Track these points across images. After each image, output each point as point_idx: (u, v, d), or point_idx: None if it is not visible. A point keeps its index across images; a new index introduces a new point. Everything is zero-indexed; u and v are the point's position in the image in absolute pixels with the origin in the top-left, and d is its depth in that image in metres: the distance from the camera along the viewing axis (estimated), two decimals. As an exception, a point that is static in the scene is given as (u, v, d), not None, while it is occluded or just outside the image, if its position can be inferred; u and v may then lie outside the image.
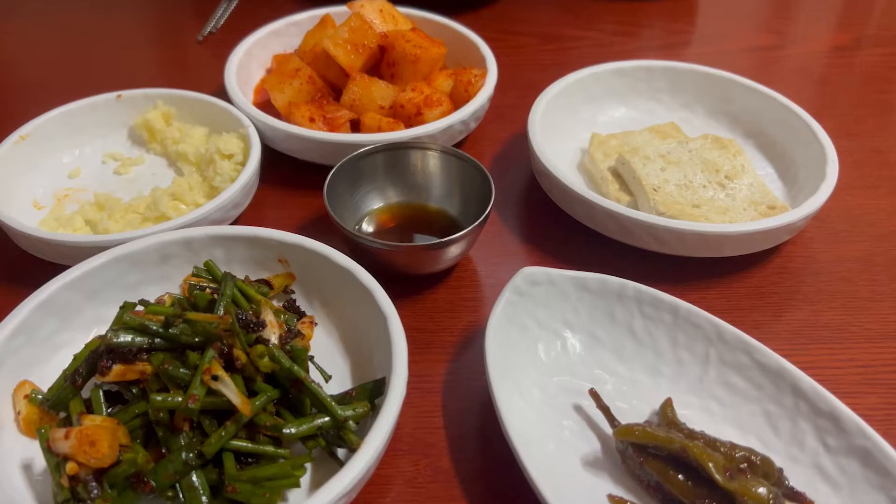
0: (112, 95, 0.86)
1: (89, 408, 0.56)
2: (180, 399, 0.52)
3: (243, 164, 0.80)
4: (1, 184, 0.74)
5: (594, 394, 0.60)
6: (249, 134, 0.80)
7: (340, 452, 0.57)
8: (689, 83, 0.96)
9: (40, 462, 0.56)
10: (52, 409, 0.57)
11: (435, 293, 0.74)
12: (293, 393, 0.57)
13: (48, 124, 0.82)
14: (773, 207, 0.77)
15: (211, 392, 0.53)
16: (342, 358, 0.65)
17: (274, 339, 0.58)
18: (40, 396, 0.58)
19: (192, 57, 1.11)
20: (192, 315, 0.55)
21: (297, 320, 0.66)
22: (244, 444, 0.54)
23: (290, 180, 0.86)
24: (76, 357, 0.59)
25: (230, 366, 0.55)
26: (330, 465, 0.56)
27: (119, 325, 0.58)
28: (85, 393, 0.58)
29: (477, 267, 0.77)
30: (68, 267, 0.64)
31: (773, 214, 0.75)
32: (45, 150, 0.82)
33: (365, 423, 0.57)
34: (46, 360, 0.62)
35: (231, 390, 0.53)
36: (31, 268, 0.73)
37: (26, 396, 0.58)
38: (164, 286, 0.68)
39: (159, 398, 0.52)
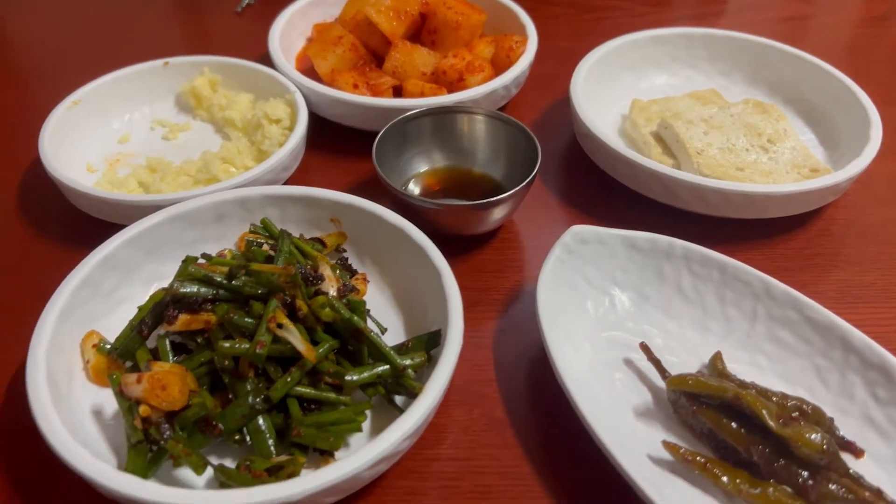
0: (159, 63, 0.88)
1: (155, 356, 0.58)
2: (247, 346, 0.54)
3: (290, 128, 0.81)
4: (56, 148, 0.76)
5: (645, 347, 0.61)
6: (296, 99, 0.82)
7: (398, 400, 0.58)
8: (727, 50, 0.96)
9: (109, 408, 0.58)
10: (120, 358, 0.59)
11: (481, 254, 0.75)
12: (352, 343, 0.59)
13: (98, 90, 0.84)
14: (816, 170, 0.78)
15: (275, 340, 0.55)
16: (395, 313, 0.66)
17: (332, 292, 0.60)
18: (107, 346, 0.60)
19: (232, 28, 1.12)
20: (256, 266, 0.57)
21: (351, 277, 0.67)
22: (308, 390, 0.56)
23: (333, 147, 0.87)
24: (142, 308, 0.61)
25: (292, 316, 0.57)
26: (388, 412, 0.58)
27: (183, 277, 0.60)
28: (150, 343, 0.59)
29: (520, 229, 0.78)
30: (123, 226, 0.66)
31: (816, 177, 0.76)
32: (96, 115, 0.84)
33: (421, 373, 0.59)
34: (109, 313, 0.64)
35: (296, 337, 0.55)
36: (87, 227, 0.75)
37: (94, 346, 0.60)
38: (220, 244, 0.69)
39: (227, 344, 0.54)
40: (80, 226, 0.76)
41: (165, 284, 0.66)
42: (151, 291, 0.66)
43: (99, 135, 0.84)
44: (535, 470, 0.56)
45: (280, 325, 0.55)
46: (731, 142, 0.80)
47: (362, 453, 0.49)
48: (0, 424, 0.59)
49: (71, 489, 0.54)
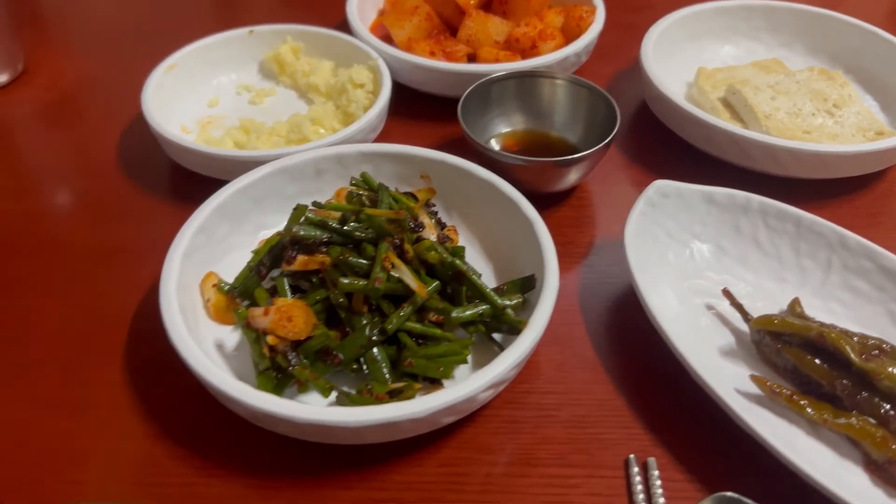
0: (244, 31, 0.92)
1: (272, 295, 0.62)
2: (364, 283, 0.59)
3: (373, 93, 0.85)
4: (157, 108, 0.80)
5: (727, 293, 0.65)
6: (379, 65, 0.86)
7: (495, 340, 0.62)
8: (788, 21, 0.99)
9: (229, 343, 0.63)
10: (239, 297, 0.63)
11: (559, 211, 0.79)
12: (452, 286, 0.63)
13: (189, 56, 0.88)
14: (882, 133, 0.81)
15: (387, 278, 0.59)
16: (484, 262, 0.70)
17: (433, 238, 0.64)
18: (226, 286, 0.64)
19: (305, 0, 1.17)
20: (370, 210, 0.61)
21: (441, 230, 0.71)
22: (416, 325, 0.60)
23: (410, 113, 0.90)
24: (258, 251, 0.65)
25: (400, 258, 0.61)
26: (486, 351, 0.62)
27: (295, 223, 0.64)
28: (265, 285, 0.64)
29: (594, 190, 0.82)
30: (220, 181, 0.70)
31: (883, 139, 0.79)
32: (188, 80, 0.88)
33: (518, 313, 0.63)
34: (221, 258, 0.68)
35: (407, 276, 0.59)
36: (187, 182, 0.80)
37: (214, 286, 0.64)
38: (318, 198, 0.73)
39: (346, 281, 0.59)
40: (179, 180, 0.81)
41: (269, 233, 0.71)
42: (258, 239, 0.71)
43: (191, 98, 0.88)
44: (629, 402, 0.61)
45: (392, 266, 0.59)
46: (797, 107, 0.83)
47: (479, 376, 0.53)
48: (132, 360, 0.64)
49: (207, 412, 0.59)
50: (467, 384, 0.53)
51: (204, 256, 0.66)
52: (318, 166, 0.73)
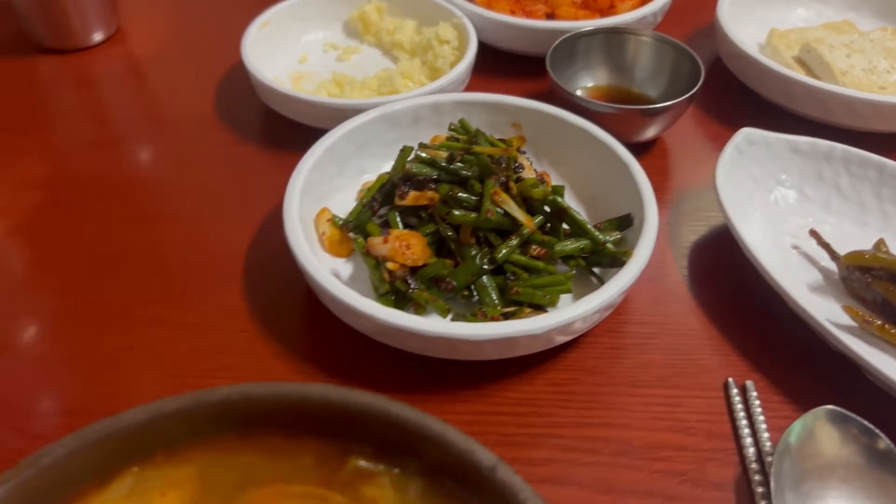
0: (331, -9, 0.96)
1: (384, 228, 0.66)
2: (474, 216, 0.62)
3: (459, 49, 0.89)
4: (255, 62, 0.84)
5: (814, 233, 0.68)
6: (464, 22, 0.89)
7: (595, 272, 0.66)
8: (858, -15, 1.01)
9: (343, 273, 0.67)
10: (352, 231, 0.67)
11: (642, 161, 0.81)
12: (552, 222, 0.67)
13: (280, 14, 0.92)
14: (957, 90, 0.83)
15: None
16: (576, 205, 0.74)
17: (532, 178, 0.67)
18: (340, 221, 0.68)
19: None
20: (478, 148, 0.65)
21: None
22: (522, 258, 0.64)
23: (491, 70, 0.93)
24: (370, 188, 0.69)
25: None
26: (586, 284, 0.65)
27: (402, 163, 0.68)
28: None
29: (672, 143, 0.85)
30: (316, 129, 0.75)
31: (959, 95, 0.81)
32: (279, 37, 0.92)
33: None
34: (329, 198, 0.72)
35: (515, 209, 0.63)
36: (283, 130, 0.84)
37: (328, 220, 0.68)
38: (414, 145, 0.77)
39: (458, 213, 0.62)
40: (275, 129, 0.85)
41: (370, 177, 0.75)
42: (360, 182, 0.75)
43: (282, 55, 0.92)
44: (723, 332, 0.64)
45: (500, 200, 0.63)
46: (872, 64, 0.86)
47: (591, 298, 0.57)
48: (250, 288, 0.68)
49: (326, 332, 0.63)
50: (581, 304, 0.56)
51: (315, 194, 0.70)
52: (415, 114, 0.77)
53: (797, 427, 0.51)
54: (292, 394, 0.41)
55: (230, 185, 0.79)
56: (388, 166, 0.74)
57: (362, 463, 0.41)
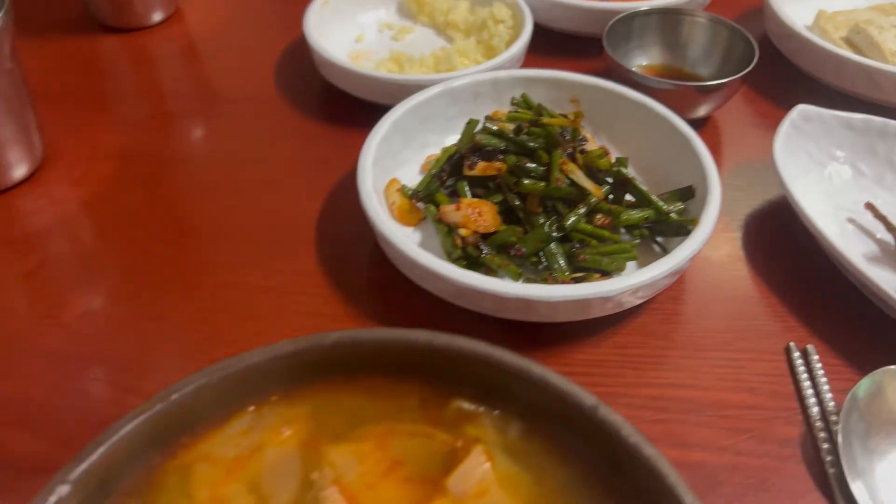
0: (385, -28, 0.98)
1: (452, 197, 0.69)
2: (544, 185, 0.65)
3: (513, 28, 0.91)
4: (315, 38, 0.87)
5: (870, 205, 0.70)
6: (518, 1, 0.91)
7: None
8: (903, -32, 1.02)
9: (412, 241, 0.69)
10: (421, 201, 0.70)
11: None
12: (616, 193, 0.69)
13: (339, -6, 0.95)
14: None
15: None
16: (636, 177, 0.76)
17: (598, 149, 0.70)
18: (409, 191, 0.71)
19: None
20: (546, 119, 0.67)
21: (592, 149, 0.77)
22: (587, 227, 0.66)
23: (544, 50, 0.95)
24: (438, 160, 0.72)
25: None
26: (648, 253, 0.68)
27: (469, 135, 0.71)
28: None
29: (723, 121, 0.87)
30: (375, 105, 0.77)
31: None
32: (336, 17, 0.95)
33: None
34: (395, 171, 0.75)
35: (583, 178, 0.65)
36: (342, 107, 0.86)
37: (398, 190, 0.71)
38: (475, 120, 0.80)
39: (527, 181, 0.65)
40: (335, 105, 0.88)
41: (434, 151, 0.77)
42: (424, 156, 0.77)
43: (339, 34, 0.95)
44: (783, 300, 0.66)
45: (568, 170, 0.65)
46: (921, 45, 0.87)
47: (662, 263, 0.59)
48: (322, 254, 0.71)
49: (397, 295, 0.66)
50: (652, 268, 0.59)
51: (383, 166, 0.72)
52: (476, 90, 0.79)
53: (865, 384, 0.53)
54: (398, 338, 0.44)
55: (295, 159, 0.82)
56: (449, 140, 0.77)
57: (464, 405, 0.44)
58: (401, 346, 0.44)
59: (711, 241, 0.71)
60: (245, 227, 0.74)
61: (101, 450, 0.38)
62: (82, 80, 0.93)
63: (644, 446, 0.38)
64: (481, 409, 0.44)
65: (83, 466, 0.37)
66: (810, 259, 0.68)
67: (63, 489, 0.36)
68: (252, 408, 0.43)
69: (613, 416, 0.40)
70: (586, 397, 0.40)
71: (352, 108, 0.86)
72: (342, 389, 0.44)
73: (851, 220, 0.71)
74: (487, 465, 0.41)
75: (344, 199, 0.76)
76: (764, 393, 0.59)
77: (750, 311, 0.65)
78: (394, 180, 0.72)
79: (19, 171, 0.77)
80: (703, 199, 0.65)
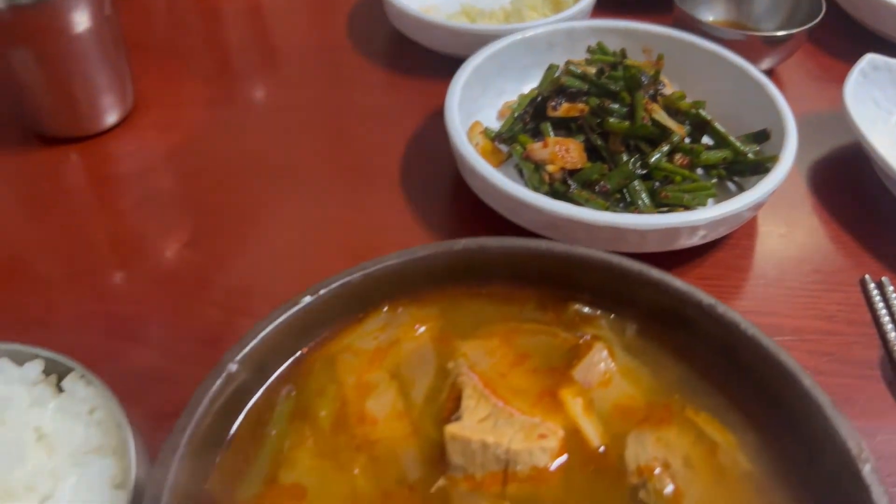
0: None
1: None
2: (628, 123, 0.67)
3: (578, -14, 0.93)
4: (389, -5, 0.90)
5: (939, 149, 0.72)
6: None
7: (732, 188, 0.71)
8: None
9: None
10: (504, 143, 0.73)
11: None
12: (693, 135, 0.71)
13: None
14: None
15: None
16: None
17: (678, 91, 0.72)
18: (492, 133, 0.74)
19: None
20: (630, 61, 0.70)
21: (663, 97, 0.80)
22: (668, 166, 0.69)
23: (612, 5, 0.97)
24: (520, 103, 0.75)
25: (652, 107, 0.70)
26: (724, 192, 0.70)
27: (549, 79, 0.73)
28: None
29: (785, 74, 0.89)
30: (446, 56, 0.80)
31: None
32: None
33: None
34: (474, 116, 0.77)
35: (665, 117, 0.68)
36: (414, 59, 0.89)
37: (481, 132, 0.74)
38: (549, 69, 0.82)
39: (613, 120, 0.67)
40: (408, 57, 0.90)
41: (510, 97, 0.80)
42: (501, 102, 0.80)
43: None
44: (856, 238, 0.69)
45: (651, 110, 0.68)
46: (983, 1, 0.89)
47: (748, 195, 0.62)
48: (408, 191, 0.74)
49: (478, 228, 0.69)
50: (736, 201, 0.61)
51: (464, 110, 0.75)
52: (550, 40, 0.81)
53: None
54: (521, 247, 0.47)
55: (373, 106, 0.85)
56: (525, 88, 0.80)
57: (582, 308, 0.47)
58: (523, 253, 0.47)
59: (785, 181, 0.74)
60: (332, 169, 0.77)
61: (260, 335, 0.42)
62: (168, 33, 0.96)
63: (762, 337, 0.41)
64: (598, 312, 0.47)
65: (245, 350, 0.41)
66: (879, 201, 0.71)
67: (232, 367, 0.40)
68: (386, 308, 0.47)
69: (731, 312, 0.43)
70: (704, 297, 0.43)
71: (423, 59, 0.88)
72: (466, 294, 0.48)
73: (918, 165, 0.73)
74: (609, 359, 0.44)
75: (425, 142, 0.79)
76: (841, 321, 0.62)
77: (823, 248, 0.68)
78: (477, 123, 0.75)
79: (112, 117, 0.80)
80: (779, 141, 0.68)
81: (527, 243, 0.47)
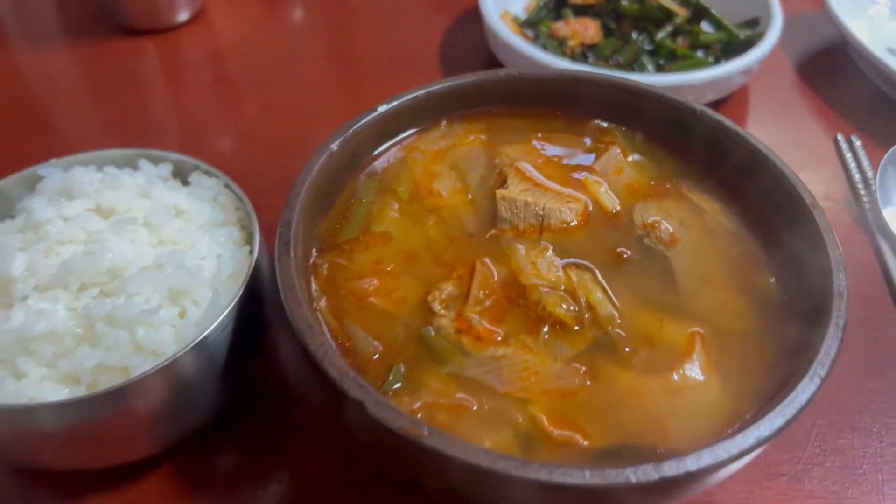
0: None
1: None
2: (638, 6, 0.79)
3: None
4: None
5: (908, 34, 0.83)
6: None
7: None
8: None
9: (523, 61, 0.84)
10: (528, 27, 0.84)
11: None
12: (692, 20, 0.83)
13: None
14: None
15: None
16: (705, 20, 0.90)
17: (678, -13, 0.83)
18: (520, 20, 0.85)
19: None
20: (640, -45, 0.81)
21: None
22: (672, 45, 0.80)
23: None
24: (544, -6, 0.86)
25: (659, -5, 0.81)
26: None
27: (571, -26, 0.85)
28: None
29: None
30: None
31: None
32: None
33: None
34: (502, 8, 0.89)
35: (669, 2, 0.79)
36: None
37: (511, 19, 0.85)
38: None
39: (625, 3, 0.79)
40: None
41: (534, -4, 0.91)
42: (524, 2, 0.91)
43: None
44: (837, 112, 0.80)
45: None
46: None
47: (741, 59, 0.73)
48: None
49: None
50: (731, 64, 0.73)
51: (497, 3, 0.87)
52: (570, -55, 0.92)
53: (898, 144, 0.68)
54: (553, 75, 0.59)
55: (408, 7, 0.97)
56: (547, -12, 0.91)
57: (601, 123, 0.59)
58: (554, 79, 0.59)
59: (770, 65, 0.85)
60: (378, 56, 0.89)
61: (352, 129, 0.53)
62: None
63: (740, 130, 0.53)
64: (612, 125, 0.59)
65: (341, 137, 0.53)
66: (853, 79, 0.83)
67: (333, 146, 0.52)
68: (444, 122, 0.59)
69: (717, 114, 0.54)
70: (696, 105, 0.55)
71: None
72: (508, 114, 0.60)
73: (890, 49, 0.85)
74: (622, 156, 0.56)
75: (458, 32, 0.90)
76: (812, 170, 0.74)
77: (805, 116, 0.80)
78: (507, 11, 0.86)
79: (184, 14, 0.92)
80: (767, 24, 0.79)
81: (557, 71, 0.59)
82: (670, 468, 0.36)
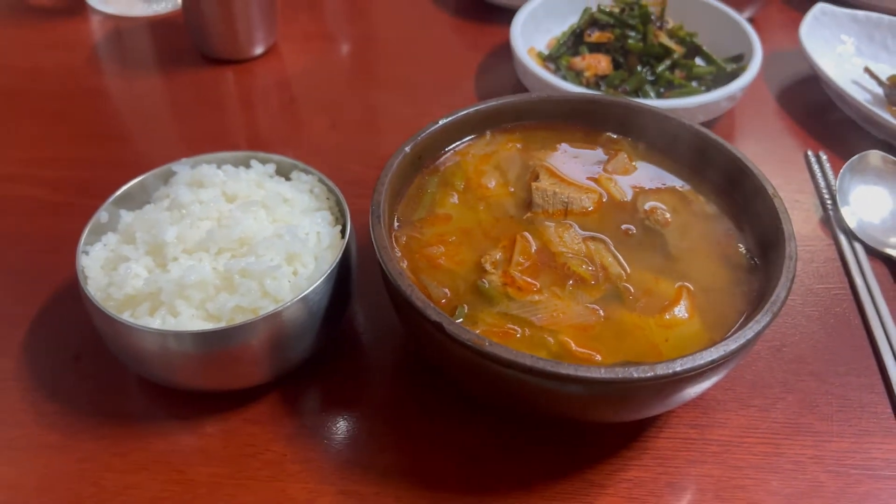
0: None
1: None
2: (642, 44, 0.95)
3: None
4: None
5: (868, 69, 0.99)
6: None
7: (716, 91, 0.99)
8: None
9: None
10: (550, 61, 1.01)
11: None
12: (687, 56, 0.99)
13: None
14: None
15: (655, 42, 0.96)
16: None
17: (678, 24, 1.00)
18: (544, 55, 1.02)
19: None
20: (644, 1, 0.98)
21: (668, 35, 1.08)
22: (670, 75, 0.96)
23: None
24: (564, 34, 1.03)
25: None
26: (709, 98, 0.98)
27: (586, 17, 1.02)
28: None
29: (765, 21, 1.17)
30: (503, 8, 1.09)
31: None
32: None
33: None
34: (528, 46, 1.06)
35: (668, 41, 0.96)
36: (475, 9, 1.18)
37: (537, 55, 1.02)
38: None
39: (631, 42, 0.96)
40: (464, 8, 1.19)
41: (555, 35, 1.08)
42: (546, 41, 1.08)
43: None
44: (809, 133, 0.96)
45: (658, 35, 0.96)
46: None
47: (728, 87, 0.89)
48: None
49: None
50: (718, 92, 0.89)
51: (524, 38, 1.04)
52: (584, -7, 1.10)
53: (855, 158, 0.84)
54: (574, 97, 0.75)
55: (447, 43, 1.14)
56: (563, 28, 1.08)
57: (611, 135, 0.75)
58: (575, 100, 0.75)
59: (752, 93, 1.02)
60: (424, 83, 1.06)
61: (421, 135, 0.70)
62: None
63: (722, 140, 0.69)
64: (620, 136, 0.75)
65: (412, 143, 0.69)
66: (823, 107, 0.98)
67: (406, 149, 0.68)
68: (489, 133, 0.75)
69: (703, 129, 0.70)
70: (685, 120, 0.71)
71: (478, 9, 1.17)
72: (538, 127, 0.76)
73: (855, 82, 1.01)
74: (628, 160, 0.72)
75: (490, 64, 1.07)
76: (782, 180, 0.89)
77: (783, 135, 0.96)
78: (532, 48, 1.03)
79: (259, 48, 1.09)
80: (749, 59, 0.95)
81: (579, 95, 0.75)
82: (662, 368, 0.51)
